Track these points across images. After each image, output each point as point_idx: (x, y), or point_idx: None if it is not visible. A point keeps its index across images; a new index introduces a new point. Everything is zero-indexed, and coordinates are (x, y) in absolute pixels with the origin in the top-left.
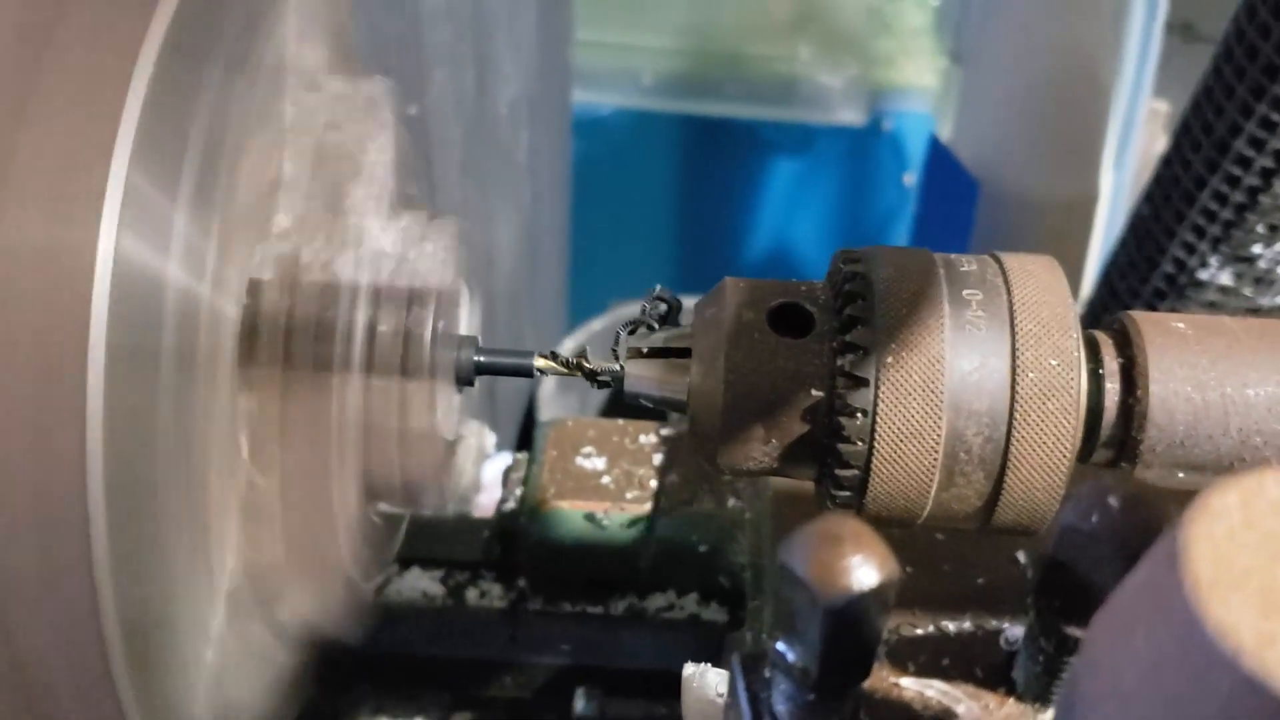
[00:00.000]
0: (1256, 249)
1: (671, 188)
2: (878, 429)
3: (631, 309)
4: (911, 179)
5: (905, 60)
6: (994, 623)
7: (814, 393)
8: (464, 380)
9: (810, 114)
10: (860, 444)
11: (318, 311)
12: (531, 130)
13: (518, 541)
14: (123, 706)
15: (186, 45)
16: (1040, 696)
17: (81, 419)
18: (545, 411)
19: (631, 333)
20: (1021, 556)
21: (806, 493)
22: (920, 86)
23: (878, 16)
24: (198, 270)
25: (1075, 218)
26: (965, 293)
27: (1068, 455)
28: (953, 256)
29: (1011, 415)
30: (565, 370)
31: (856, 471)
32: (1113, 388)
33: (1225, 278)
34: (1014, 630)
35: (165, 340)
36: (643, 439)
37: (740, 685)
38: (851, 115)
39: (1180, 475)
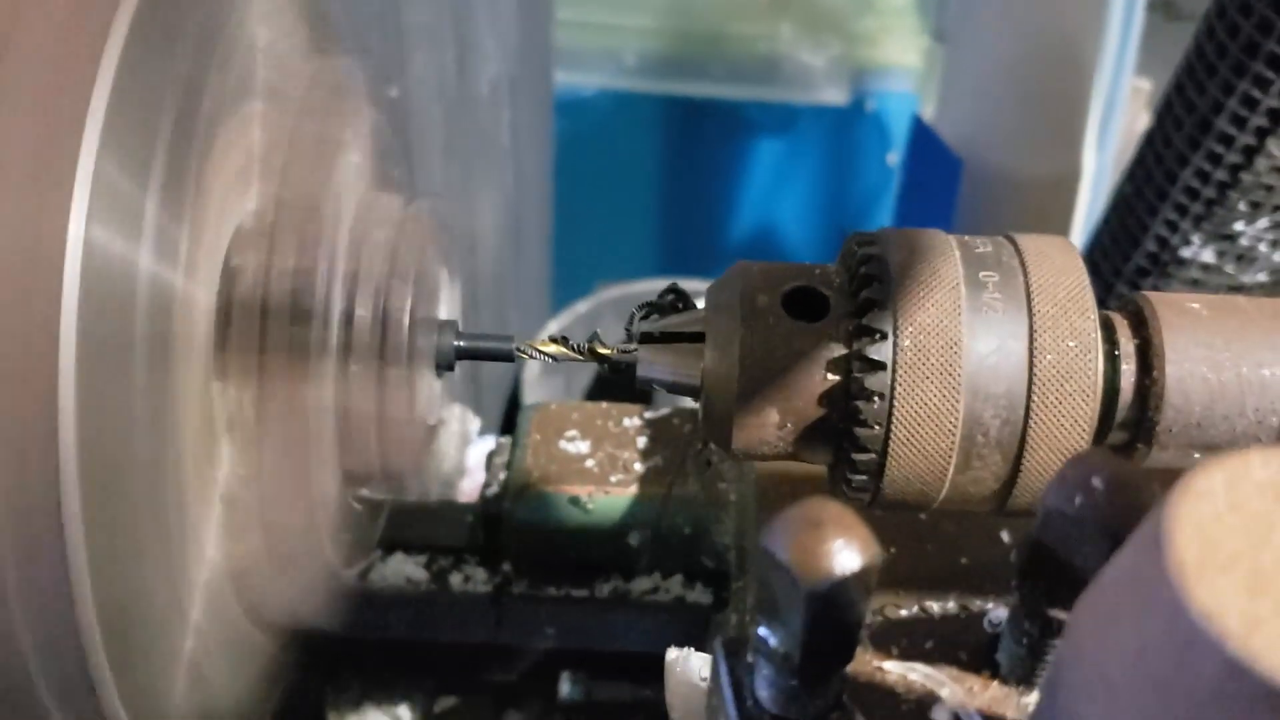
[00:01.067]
0: (1239, 226)
1: (655, 168)
2: (895, 413)
3: (616, 291)
4: (895, 158)
5: (888, 39)
6: (978, 603)
7: (830, 377)
8: (444, 365)
9: (793, 94)
10: (877, 428)
11: (293, 297)
12: (513, 111)
13: (502, 526)
14: (102, 698)
15: (154, 29)
16: (1024, 679)
17: (54, 409)
18: (530, 395)
19: (645, 317)
20: (1005, 536)
21: (791, 473)
22: (903, 65)
23: None
24: (171, 257)
25: (1058, 196)
26: (982, 274)
27: (1085, 437)
28: (967, 238)
29: (1029, 398)
30: (578, 355)
31: (873, 455)
32: (1129, 369)
33: (1208, 255)
34: (998, 613)
35: (138, 329)
36: (626, 422)
37: (723, 670)
38: (834, 94)
39: (1196, 456)
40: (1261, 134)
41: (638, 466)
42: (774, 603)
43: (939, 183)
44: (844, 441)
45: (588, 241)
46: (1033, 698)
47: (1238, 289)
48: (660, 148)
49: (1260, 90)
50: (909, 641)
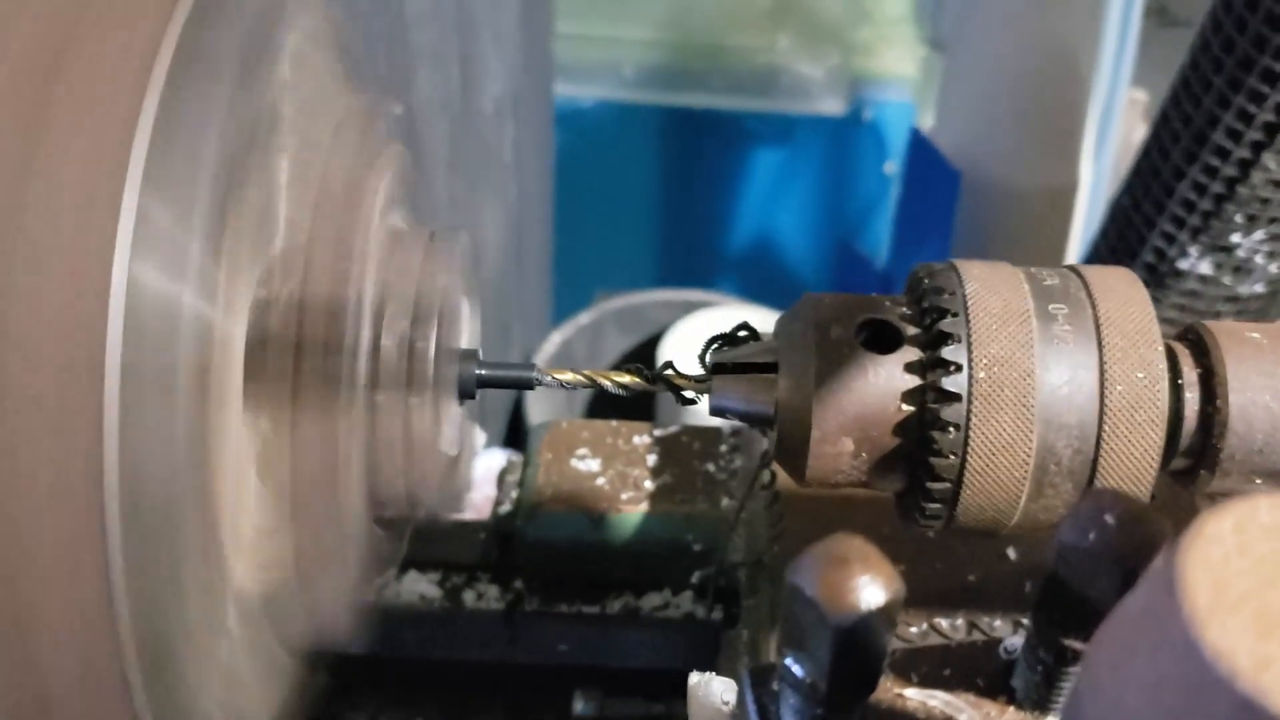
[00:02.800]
0: (1235, 238)
1: (654, 179)
2: (970, 443)
3: (618, 302)
4: (892, 168)
5: (885, 49)
6: (985, 619)
7: (905, 407)
8: (466, 394)
9: (791, 104)
10: (952, 457)
11: (323, 329)
12: (516, 125)
13: (514, 543)
14: None
15: (194, 71)
16: (1039, 705)
17: (99, 443)
18: (533, 407)
19: (715, 349)
20: (1011, 553)
21: (799, 492)
22: (900, 75)
23: (857, 5)
24: (210, 293)
25: (1055, 207)
26: (1051, 307)
27: (1154, 465)
28: (1033, 270)
29: (1100, 428)
30: (650, 386)
31: (948, 484)
32: (1192, 397)
33: (1205, 267)
34: (1013, 641)
35: (179, 366)
36: (636, 440)
37: (749, 699)
38: (832, 105)
39: (1257, 482)
40: (1257, 148)
41: (648, 484)
42: (801, 635)
43: (937, 193)
44: (918, 470)
45: (588, 253)
46: None
47: (1234, 300)
48: (659, 159)
49: (1255, 105)
50: (928, 669)
